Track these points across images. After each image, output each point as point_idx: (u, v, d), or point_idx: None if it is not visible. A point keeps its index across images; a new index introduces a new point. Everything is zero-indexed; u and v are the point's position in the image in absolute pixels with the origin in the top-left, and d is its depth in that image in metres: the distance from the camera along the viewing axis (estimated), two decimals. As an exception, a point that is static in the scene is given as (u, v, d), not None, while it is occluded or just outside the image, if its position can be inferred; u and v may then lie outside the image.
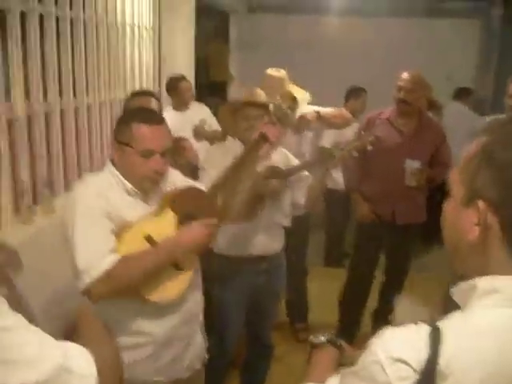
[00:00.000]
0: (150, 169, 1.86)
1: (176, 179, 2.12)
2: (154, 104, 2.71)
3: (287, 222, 2.84)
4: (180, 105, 4.50)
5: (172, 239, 1.89)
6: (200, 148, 3.59)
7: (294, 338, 4.00)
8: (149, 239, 1.87)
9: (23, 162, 2.76)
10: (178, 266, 1.95)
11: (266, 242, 2.76)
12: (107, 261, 1.76)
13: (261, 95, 2.83)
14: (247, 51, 6.81)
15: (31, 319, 1.05)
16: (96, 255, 1.76)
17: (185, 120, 4.27)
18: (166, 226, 1.93)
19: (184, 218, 1.99)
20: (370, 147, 2.73)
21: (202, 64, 5.77)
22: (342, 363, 1.35)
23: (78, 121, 3.32)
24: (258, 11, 7.03)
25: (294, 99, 3.48)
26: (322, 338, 1.41)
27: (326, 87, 5.01)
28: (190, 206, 2.00)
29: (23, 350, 0.92)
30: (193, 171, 2.83)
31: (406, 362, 0.90)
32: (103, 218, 1.83)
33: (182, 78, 4.54)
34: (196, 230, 1.91)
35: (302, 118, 3.50)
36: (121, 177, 1.92)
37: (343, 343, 1.42)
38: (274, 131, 2.22)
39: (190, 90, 4.58)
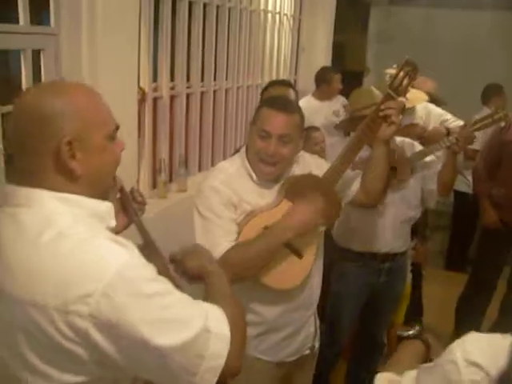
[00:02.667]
0: (263, 149, 1.88)
1: (310, 161, 2.10)
2: (292, 95, 2.70)
3: (416, 215, 2.75)
4: (325, 95, 4.50)
5: (280, 221, 1.87)
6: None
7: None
8: (266, 229, 1.87)
9: (163, 141, 2.93)
10: (298, 253, 1.93)
11: (393, 239, 2.70)
12: (221, 248, 1.80)
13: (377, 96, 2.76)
14: (385, 44, 6.66)
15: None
16: (213, 242, 1.80)
17: (322, 110, 4.28)
18: (280, 214, 1.91)
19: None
20: (502, 123, 2.58)
21: (338, 54, 5.73)
22: (429, 359, 1.33)
23: (215, 103, 3.45)
24: (400, 4, 6.85)
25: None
26: (410, 332, 1.39)
27: (461, 84, 4.81)
28: (304, 192, 1.95)
29: (174, 311, 0.99)
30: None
31: (481, 367, 0.91)
32: (226, 206, 1.87)
33: (334, 69, 4.58)
34: (301, 209, 1.88)
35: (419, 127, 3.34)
36: (248, 165, 1.94)
37: (431, 339, 1.39)
38: (394, 109, 1.98)
39: (340, 82, 4.58)
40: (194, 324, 1.00)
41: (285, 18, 4.44)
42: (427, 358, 1.35)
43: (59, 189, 1.05)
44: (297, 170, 2.03)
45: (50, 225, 1.00)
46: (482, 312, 3.67)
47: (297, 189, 1.94)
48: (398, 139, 2.69)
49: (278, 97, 2.28)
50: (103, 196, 1.13)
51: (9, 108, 2.02)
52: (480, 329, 3.66)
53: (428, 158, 2.66)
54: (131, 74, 2.47)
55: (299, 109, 1.99)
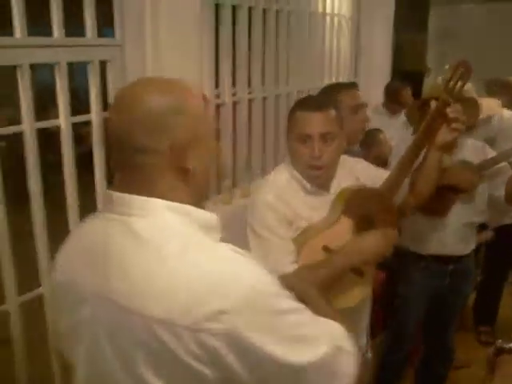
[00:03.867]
0: (307, 154, 1.80)
1: (356, 166, 2.05)
2: (359, 96, 2.60)
3: (481, 220, 2.67)
4: (396, 111, 4.46)
5: (351, 248, 1.77)
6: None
7: (475, 339, 3.79)
8: (326, 249, 1.80)
9: (227, 147, 2.94)
10: (359, 272, 1.84)
11: (456, 241, 2.63)
12: (286, 269, 1.69)
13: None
14: (445, 43, 6.51)
15: None
16: (276, 263, 1.71)
17: (392, 124, 4.20)
18: (342, 233, 1.83)
19: (360, 222, 1.88)
20: None
21: (398, 54, 5.63)
22: None
23: (277, 108, 3.45)
24: (459, 1, 6.69)
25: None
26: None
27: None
28: (364, 207, 1.88)
29: (306, 327, 0.96)
30: (385, 164, 2.78)
31: None
32: (282, 224, 1.79)
33: (403, 84, 4.55)
34: (377, 241, 1.77)
35: None
36: (298, 175, 1.88)
37: None
38: (455, 109, 1.87)
39: (410, 95, 4.53)
40: (325, 341, 0.97)
41: (343, 19, 4.39)
42: None
43: (171, 195, 1.00)
44: (342, 174, 1.95)
45: (173, 237, 0.96)
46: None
47: (357, 204, 1.86)
48: (469, 141, 2.61)
49: (307, 97, 2.22)
50: (203, 203, 1.09)
51: (78, 118, 2.08)
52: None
53: (499, 165, 2.57)
54: (194, 82, 2.49)
55: (332, 104, 1.90)
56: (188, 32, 2.38)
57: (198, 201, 1.06)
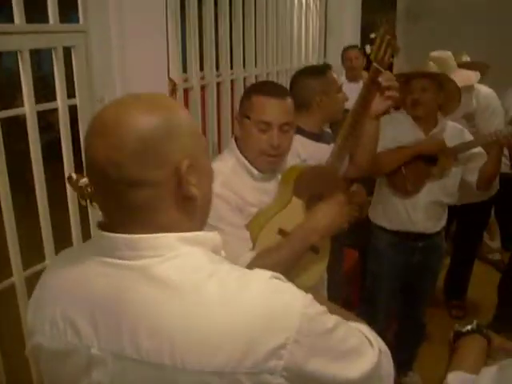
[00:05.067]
0: (266, 142, 1.77)
1: (300, 149, 2.06)
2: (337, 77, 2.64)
3: (451, 201, 2.73)
4: (351, 75, 4.47)
5: (305, 227, 1.76)
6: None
7: (446, 313, 3.90)
8: (281, 232, 1.79)
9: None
10: (315, 250, 1.85)
11: (425, 220, 2.69)
12: (244, 259, 1.67)
13: (432, 67, 2.72)
14: (414, 22, 6.53)
15: None
16: (234, 255, 1.71)
17: (356, 92, 4.22)
18: (295, 214, 1.83)
19: (310, 201, 1.87)
20: None
21: (367, 34, 5.65)
22: (490, 355, 1.30)
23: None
24: (428, -21, 6.71)
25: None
26: (469, 327, 1.35)
27: (498, 57, 4.64)
28: (312, 185, 1.88)
29: (351, 339, 0.92)
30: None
31: None
32: (234, 213, 1.76)
33: (353, 46, 4.59)
34: (328, 214, 1.76)
35: None
36: (245, 161, 1.84)
37: (491, 333, 1.35)
38: (387, 77, 1.90)
39: (357, 57, 4.53)
40: (368, 347, 0.95)
41: (311, 1, 4.39)
42: (489, 352, 1.32)
43: (178, 226, 0.90)
44: (289, 157, 1.94)
45: (203, 276, 0.85)
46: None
47: (305, 184, 1.85)
48: (449, 123, 2.67)
49: (267, 82, 2.23)
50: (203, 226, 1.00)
51: (43, 106, 2.06)
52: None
53: (475, 150, 2.62)
54: (161, 66, 2.48)
55: (288, 91, 1.91)
56: (153, 16, 2.37)
57: (203, 224, 0.99)
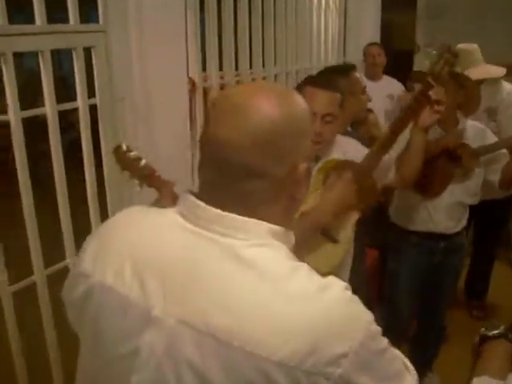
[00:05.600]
0: None
1: (349, 148, 2.09)
2: (362, 78, 2.66)
3: (473, 202, 2.70)
4: (372, 72, 4.43)
5: (315, 207, 1.84)
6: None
7: (467, 313, 3.86)
8: (301, 215, 1.79)
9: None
10: (333, 239, 1.89)
11: (447, 220, 2.67)
12: None
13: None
14: (435, 20, 6.47)
15: None
16: None
17: (376, 91, 4.19)
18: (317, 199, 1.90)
19: None
20: None
21: (387, 33, 5.61)
22: None
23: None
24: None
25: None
26: (496, 332, 1.33)
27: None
28: (339, 177, 1.93)
29: (397, 360, 0.93)
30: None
31: None
32: None
33: (374, 43, 4.53)
34: (335, 191, 1.86)
35: None
36: None
37: None
38: (438, 91, 1.95)
39: (379, 54, 4.48)
40: (408, 372, 0.95)
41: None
42: None
43: (273, 221, 0.90)
44: (335, 152, 2.03)
45: (290, 271, 0.85)
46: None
47: (335, 175, 1.93)
48: (470, 123, 2.64)
49: (319, 75, 2.31)
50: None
51: (63, 106, 2.07)
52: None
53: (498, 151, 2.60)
54: (180, 65, 2.49)
55: (341, 87, 2.02)
56: (172, 16, 2.38)
57: (291, 225, 0.98)
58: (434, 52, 1.94)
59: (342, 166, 1.97)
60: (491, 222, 3.76)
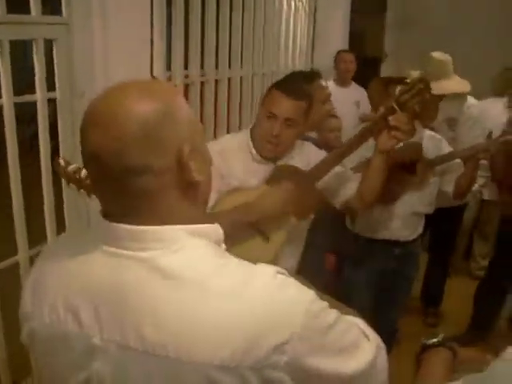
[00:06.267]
0: (269, 129, 1.97)
1: (312, 154, 2.14)
2: (327, 86, 2.64)
3: (428, 211, 2.76)
4: (343, 78, 4.49)
5: (249, 203, 1.92)
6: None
7: (421, 320, 3.93)
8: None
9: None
10: (264, 236, 1.98)
11: (402, 228, 2.71)
12: None
13: (412, 75, 2.74)
14: (404, 29, 6.55)
15: None
16: None
17: (343, 97, 4.23)
18: (255, 195, 1.96)
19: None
20: None
21: (356, 40, 5.67)
22: (456, 368, 1.30)
23: (230, 91, 3.44)
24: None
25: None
26: (435, 340, 1.36)
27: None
28: (282, 179, 1.99)
29: (350, 333, 0.92)
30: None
31: None
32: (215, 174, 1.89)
33: (347, 50, 4.61)
34: (272, 195, 1.93)
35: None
36: (250, 140, 2.06)
37: (456, 347, 1.35)
38: (402, 123, 1.93)
39: (351, 61, 4.53)
40: (367, 341, 0.94)
41: (300, 4, 4.39)
42: (454, 365, 1.31)
43: (182, 215, 0.89)
44: (297, 157, 2.11)
45: (209, 269, 0.85)
46: (500, 304, 3.64)
47: (279, 177, 2.01)
48: (427, 133, 2.69)
49: (290, 81, 2.33)
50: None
51: (21, 98, 2.04)
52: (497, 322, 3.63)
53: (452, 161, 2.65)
54: (144, 63, 2.47)
55: (308, 96, 2.06)
56: (138, 12, 2.36)
57: (205, 211, 0.98)
58: (408, 80, 1.95)
59: (290, 170, 2.05)
60: (446, 230, 3.84)
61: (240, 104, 3.59)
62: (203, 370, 0.80)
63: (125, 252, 0.87)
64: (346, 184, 2.12)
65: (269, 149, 2.02)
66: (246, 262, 0.89)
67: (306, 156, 2.13)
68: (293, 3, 4.23)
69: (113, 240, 0.88)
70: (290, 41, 4.27)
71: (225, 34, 3.26)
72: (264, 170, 2.06)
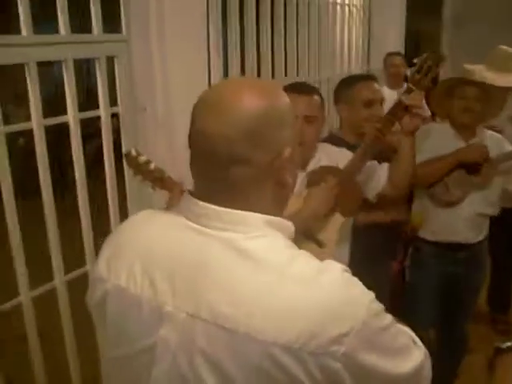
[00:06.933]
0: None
1: (338, 154, 2.11)
2: (376, 87, 2.59)
3: (493, 212, 2.67)
4: (391, 82, 4.41)
5: (298, 210, 1.87)
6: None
7: (491, 328, 3.78)
8: None
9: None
10: (318, 243, 1.94)
11: (467, 230, 2.63)
12: None
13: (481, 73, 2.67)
14: (460, 29, 6.41)
15: None
16: None
17: (392, 98, 4.16)
18: (298, 205, 1.91)
19: None
20: None
21: (412, 42, 5.58)
22: None
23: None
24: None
25: None
26: (509, 344, 1.30)
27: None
28: (321, 180, 1.98)
29: (402, 336, 0.96)
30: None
31: None
32: None
33: (396, 53, 4.49)
34: (313, 195, 1.90)
35: None
36: None
37: None
38: (418, 101, 1.93)
39: (401, 64, 4.46)
40: (415, 346, 0.99)
41: (354, 8, 4.36)
42: None
43: (264, 208, 0.95)
44: (324, 159, 2.07)
45: (287, 257, 0.91)
46: None
47: (317, 180, 1.97)
48: (488, 133, 2.63)
49: (297, 82, 2.42)
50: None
51: (86, 114, 2.11)
52: None
53: None
54: (202, 74, 2.50)
55: (317, 90, 2.10)
56: (194, 25, 2.39)
57: (282, 213, 1.03)
58: (415, 60, 1.95)
59: (326, 171, 2.01)
60: (508, 232, 3.69)
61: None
62: (268, 348, 0.85)
63: (208, 230, 0.93)
64: (374, 176, 2.10)
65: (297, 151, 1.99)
66: (314, 257, 0.94)
67: (332, 156, 2.10)
68: (347, 8, 4.21)
69: (197, 217, 0.95)
70: (345, 46, 4.24)
71: (280, 42, 3.27)
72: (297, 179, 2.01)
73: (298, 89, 1.97)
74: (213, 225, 0.93)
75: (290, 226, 1.01)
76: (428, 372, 1.00)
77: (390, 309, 0.96)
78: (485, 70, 2.78)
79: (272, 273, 0.88)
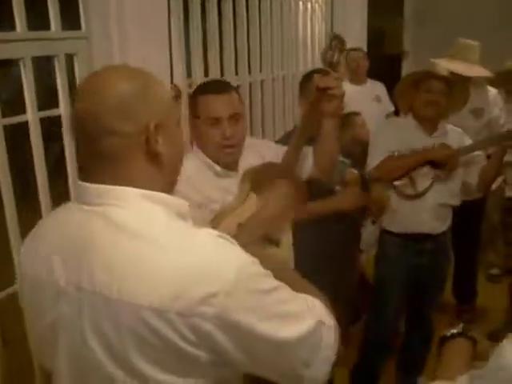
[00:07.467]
0: (219, 135, 1.85)
1: (265, 151, 2.07)
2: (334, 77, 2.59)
3: (456, 202, 2.72)
4: (355, 77, 4.44)
5: (253, 217, 1.77)
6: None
7: (456, 318, 3.82)
8: (239, 226, 1.76)
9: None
10: (275, 242, 1.84)
11: (431, 221, 2.68)
12: None
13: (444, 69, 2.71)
14: (422, 26, 6.49)
15: None
16: None
17: (361, 94, 4.20)
18: (251, 208, 1.81)
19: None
20: None
21: (374, 38, 5.63)
22: (477, 358, 1.26)
23: (251, 96, 3.44)
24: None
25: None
26: (454, 331, 1.32)
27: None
28: (266, 180, 1.86)
29: (289, 304, 1.00)
30: (363, 148, 2.79)
31: None
32: (193, 209, 1.76)
33: (357, 49, 4.51)
34: (272, 201, 1.79)
35: None
36: (207, 159, 1.91)
37: (477, 335, 1.31)
38: (332, 82, 1.86)
39: (362, 59, 4.48)
40: (308, 315, 1.01)
41: (316, 4, 4.38)
42: (475, 354, 1.28)
43: (144, 182, 1.01)
44: (249, 153, 1.99)
45: (154, 225, 0.97)
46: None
47: (261, 180, 1.86)
48: (449, 126, 2.67)
49: (209, 81, 2.32)
50: (172, 190, 1.11)
51: (46, 113, 2.07)
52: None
53: (475, 152, 2.62)
54: (164, 72, 2.48)
55: (232, 85, 2.02)
56: (155, 22, 2.37)
57: (169, 188, 1.08)
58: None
59: (265, 169, 1.91)
60: (469, 224, 3.73)
61: (262, 108, 3.58)
62: (138, 312, 0.91)
63: (88, 207, 1.01)
64: (304, 161, 2.07)
65: (228, 152, 1.90)
66: (195, 227, 1.02)
67: (257, 150, 2.04)
68: (309, 4, 4.22)
69: (81, 197, 1.03)
70: (308, 42, 4.26)
71: (243, 39, 3.26)
72: (232, 182, 1.89)
73: (215, 89, 1.90)
74: (93, 202, 1.00)
75: (177, 203, 1.05)
76: (329, 341, 1.03)
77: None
78: (449, 61, 2.82)
79: (143, 241, 0.94)
